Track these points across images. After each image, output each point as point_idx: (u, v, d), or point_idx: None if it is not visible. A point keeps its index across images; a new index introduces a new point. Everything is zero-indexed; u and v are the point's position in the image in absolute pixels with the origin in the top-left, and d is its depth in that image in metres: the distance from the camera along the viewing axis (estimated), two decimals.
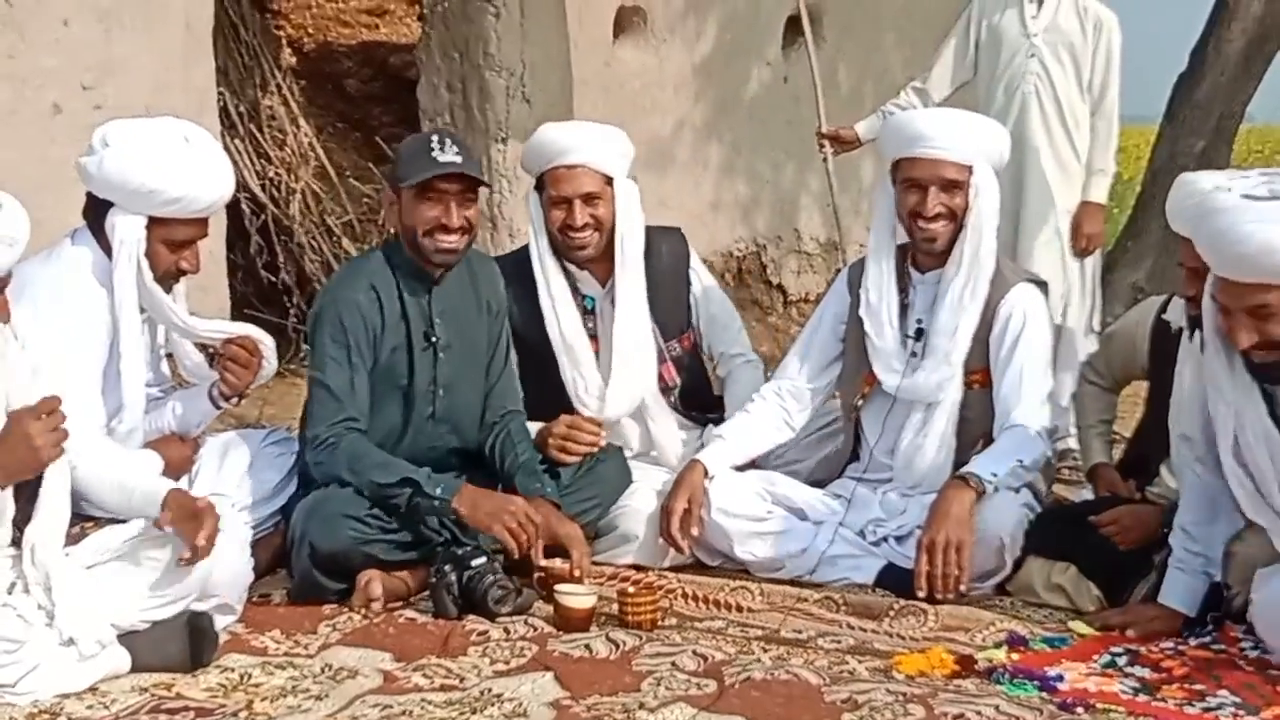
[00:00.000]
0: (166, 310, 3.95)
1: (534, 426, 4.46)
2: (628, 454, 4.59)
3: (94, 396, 3.74)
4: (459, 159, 4.06)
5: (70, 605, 3.35)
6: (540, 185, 4.55)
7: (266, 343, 4.13)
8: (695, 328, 4.77)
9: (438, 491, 3.95)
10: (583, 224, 4.46)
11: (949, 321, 4.26)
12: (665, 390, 4.68)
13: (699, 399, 4.76)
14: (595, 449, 4.40)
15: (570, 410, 4.52)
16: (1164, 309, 4.31)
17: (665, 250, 4.69)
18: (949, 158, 4.25)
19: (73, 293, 3.76)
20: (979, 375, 4.32)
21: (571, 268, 4.57)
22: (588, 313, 4.59)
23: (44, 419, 3.26)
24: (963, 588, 4.00)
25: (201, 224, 3.91)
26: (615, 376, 4.52)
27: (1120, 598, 3.96)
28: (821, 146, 6.39)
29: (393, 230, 4.20)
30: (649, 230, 4.62)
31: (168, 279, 3.92)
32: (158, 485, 3.58)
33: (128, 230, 3.79)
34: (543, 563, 4.01)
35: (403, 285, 4.15)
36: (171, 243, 3.85)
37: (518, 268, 4.56)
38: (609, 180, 4.51)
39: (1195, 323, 4.00)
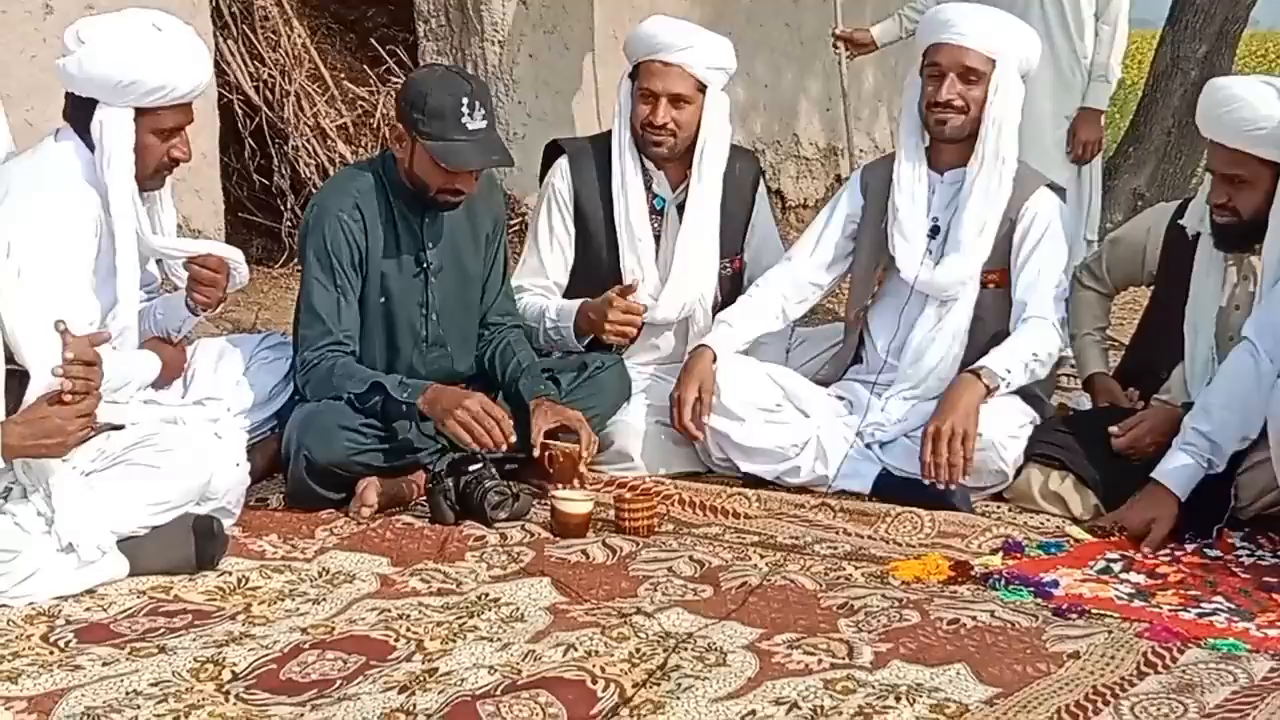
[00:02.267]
0: (139, 217, 3.90)
1: (570, 304, 4.48)
2: (653, 357, 4.60)
3: (84, 294, 3.71)
4: (485, 124, 4.00)
5: (69, 511, 3.35)
6: (635, 74, 4.52)
7: (231, 257, 4.06)
8: (745, 252, 4.77)
9: (404, 396, 3.93)
10: (663, 123, 4.45)
11: (974, 217, 4.25)
12: (711, 307, 4.67)
13: None
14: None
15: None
16: (1179, 215, 4.28)
17: (739, 170, 4.68)
18: (973, 46, 4.24)
19: (58, 191, 3.72)
20: (995, 275, 4.31)
21: (649, 165, 4.56)
22: (655, 212, 4.58)
23: (75, 402, 3.24)
24: (965, 479, 4.00)
25: (187, 110, 3.86)
26: (673, 279, 4.53)
27: (1118, 506, 3.96)
28: (836, 48, 6.31)
29: (397, 155, 4.10)
30: (729, 147, 4.62)
31: (161, 171, 3.88)
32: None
33: (116, 124, 3.74)
34: (547, 442, 4.02)
35: (395, 208, 4.10)
36: (160, 131, 3.80)
37: (597, 152, 4.58)
38: (701, 88, 4.48)
39: (1222, 231, 3.99)
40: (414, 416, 3.96)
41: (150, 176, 3.85)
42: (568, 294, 4.62)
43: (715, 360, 4.29)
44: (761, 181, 4.83)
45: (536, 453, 4.00)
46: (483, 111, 4.00)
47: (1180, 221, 4.23)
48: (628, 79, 4.55)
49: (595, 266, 4.57)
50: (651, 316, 4.54)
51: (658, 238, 4.57)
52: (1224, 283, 4.11)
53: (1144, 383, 4.26)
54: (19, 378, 3.31)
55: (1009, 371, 4.09)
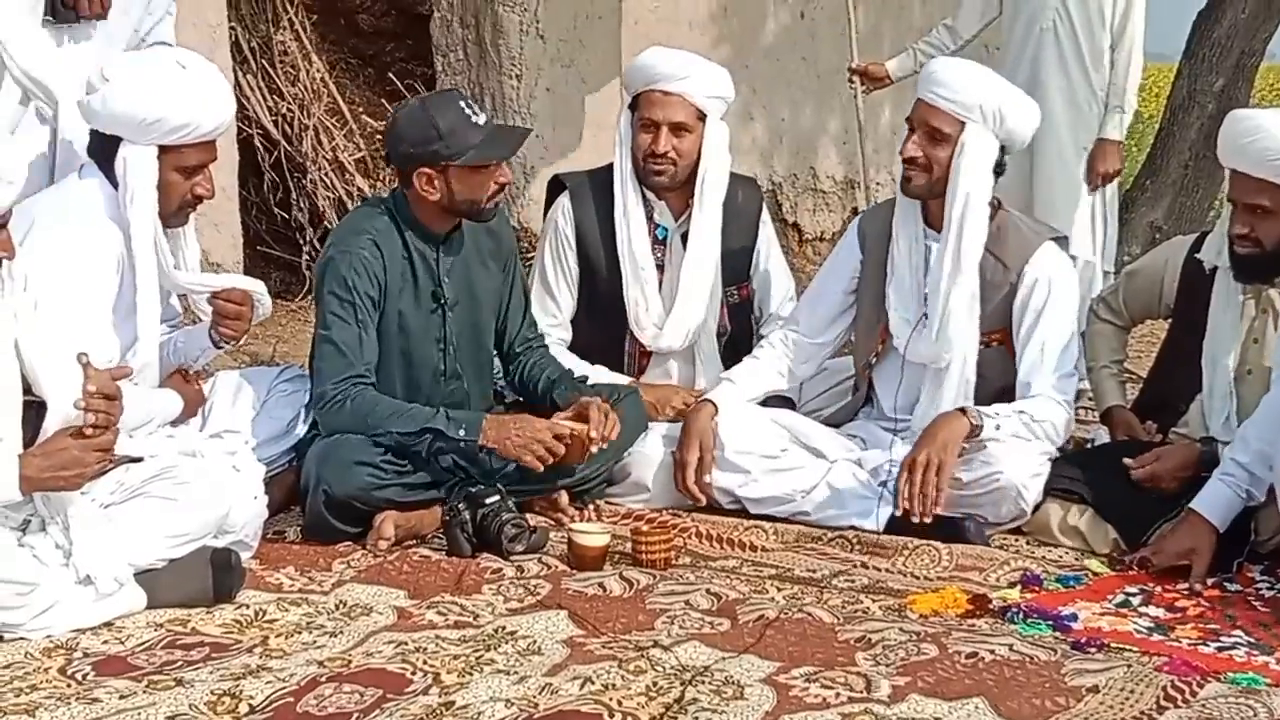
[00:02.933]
0: (161, 253, 3.92)
1: (603, 371, 4.53)
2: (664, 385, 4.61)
3: (103, 329, 3.74)
4: (486, 115, 4.12)
5: (87, 543, 3.35)
6: (635, 105, 4.56)
7: (255, 290, 4.09)
8: (752, 280, 4.81)
9: (460, 433, 3.96)
10: (664, 151, 4.49)
11: (941, 291, 4.18)
12: (717, 335, 4.71)
13: (743, 352, 4.74)
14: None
15: (624, 335, 4.58)
16: (1196, 248, 4.27)
17: (741, 197, 4.73)
18: (941, 106, 4.14)
19: (81, 227, 3.75)
20: (999, 335, 4.26)
21: (650, 195, 4.60)
22: (658, 242, 4.61)
23: (94, 435, 3.24)
24: (939, 510, 3.97)
25: (210, 148, 3.89)
26: (677, 307, 4.57)
27: (1138, 541, 3.94)
28: (851, 83, 6.34)
29: (429, 198, 4.09)
30: (730, 175, 4.65)
31: (184, 208, 3.91)
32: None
33: (140, 162, 3.77)
34: (557, 423, 4.05)
35: (410, 244, 4.12)
36: (184, 169, 3.83)
37: (598, 184, 4.62)
38: (701, 116, 4.52)
39: (1242, 262, 3.97)
40: (473, 454, 3.98)
41: (174, 213, 3.88)
42: (577, 327, 4.65)
43: (716, 414, 4.28)
44: (764, 208, 4.87)
45: (563, 432, 4.01)
46: (476, 106, 4.11)
47: (1198, 255, 4.22)
48: (628, 110, 4.60)
49: (602, 299, 4.60)
50: (657, 345, 4.59)
51: (662, 267, 4.60)
52: (1242, 316, 4.10)
53: (1162, 416, 4.25)
54: (36, 408, 3.32)
55: (996, 414, 4.05)
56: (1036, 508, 4.11)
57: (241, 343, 4.27)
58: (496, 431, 3.98)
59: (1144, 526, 3.95)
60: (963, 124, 4.13)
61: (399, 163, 4.12)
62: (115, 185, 3.79)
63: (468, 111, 4.05)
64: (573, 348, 4.63)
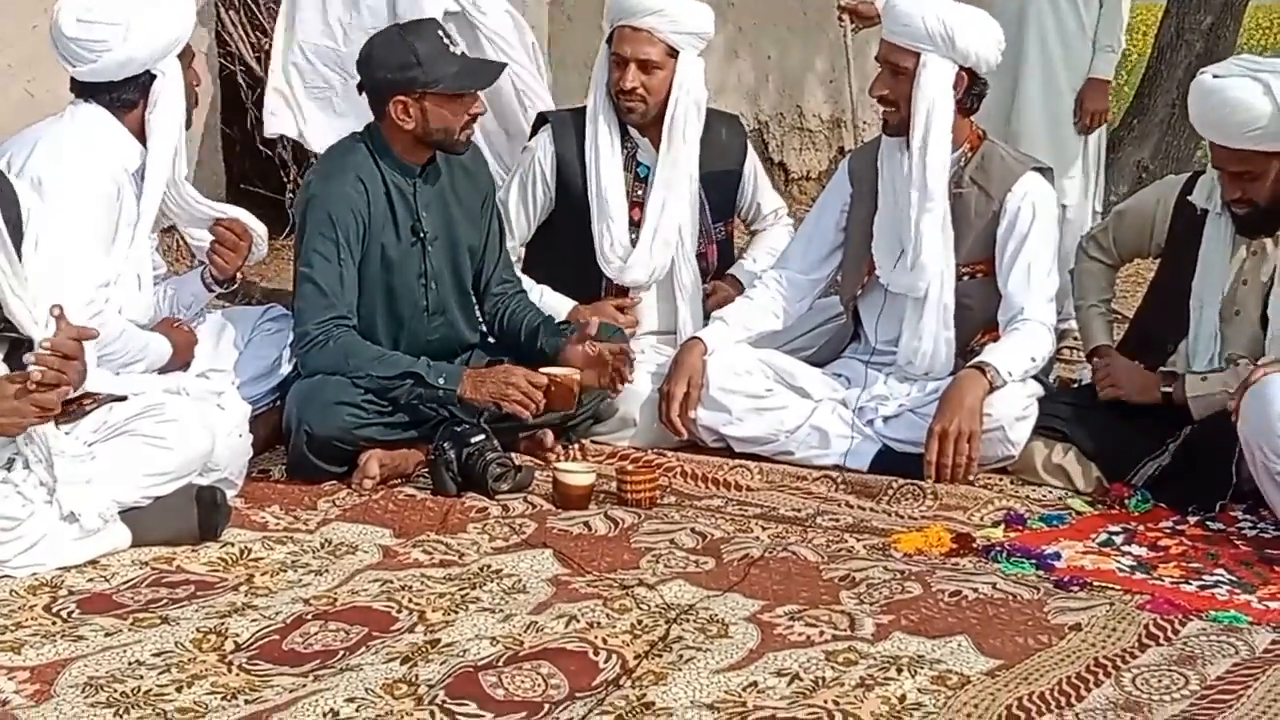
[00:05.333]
0: (179, 177, 3.96)
1: (559, 301, 4.53)
2: (644, 331, 4.61)
3: (97, 256, 3.75)
4: (461, 48, 4.10)
5: (71, 480, 3.35)
6: (610, 40, 4.56)
7: (256, 229, 4.11)
8: (739, 214, 4.84)
9: (441, 381, 3.95)
10: (631, 87, 4.47)
11: (930, 217, 4.19)
12: (704, 272, 4.71)
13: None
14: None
15: (595, 274, 4.58)
16: (1188, 189, 4.26)
17: (724, 133, 4.74)
18: (897, 40, 4.20)
19: (83, 154, 3.77)
20: (982, 266, 4.28)
21: (635, 134, 4.60)
22: (639, 180, 4.60)
23: (39, 391, 3.19)
24: (971, 477, 4.00)
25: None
26: (641, 243, 4.56)
27: (1122, 479, 3.96)
28: (841, 21, 6.30)
29: (404, 126, 4.06)
30: (711, 112, 4.66)
31: (191, 107, 4.01)
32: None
33: (175, 79, 3.89)
34: (545, 370, 4.05)
35: (389, 179, 4.10)
36: (190, 65, 3.97)
37: (581, 120, 4.61)
38: (673, 53, 4.50)
39: (1243, 221, 4.01)
40: (451, 401, 3.97)
41: (189, 115, 4.00)
42: (550, 260, 4.65)
43: (706, 352, 4.29)
44: (749, 144, 4.88)
45: (541, 380, 4.00)
46: (453, 37, 4.10)
47: (1190, 197, 4.21)
48: (605, 44, 4.59)
49: (580, 233, 4.59)
50: (622, 279, 4.60)
51: (642, 204, 4.58)
52: (1232, 258, 4.10)
53: (1149, 355, 4.25)
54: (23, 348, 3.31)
55: (1010, 374, 4.06)
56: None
57: (233, 286, 4.27)
58: (474, 383, 3.97)
59: (1128, 464, 3.96)
60: (918, 55, 4.15)
61: (375, 90, 4.08)
62: (120, 114, 3.84)
63: (445, 40, 4.04)
64: (550, 279, 4.62)
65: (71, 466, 3.35)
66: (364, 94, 4.12)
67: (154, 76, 3.85)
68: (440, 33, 4.05)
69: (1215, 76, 3.98)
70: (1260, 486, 3.68)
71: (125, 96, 3.84)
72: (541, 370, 4.05)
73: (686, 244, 4.61)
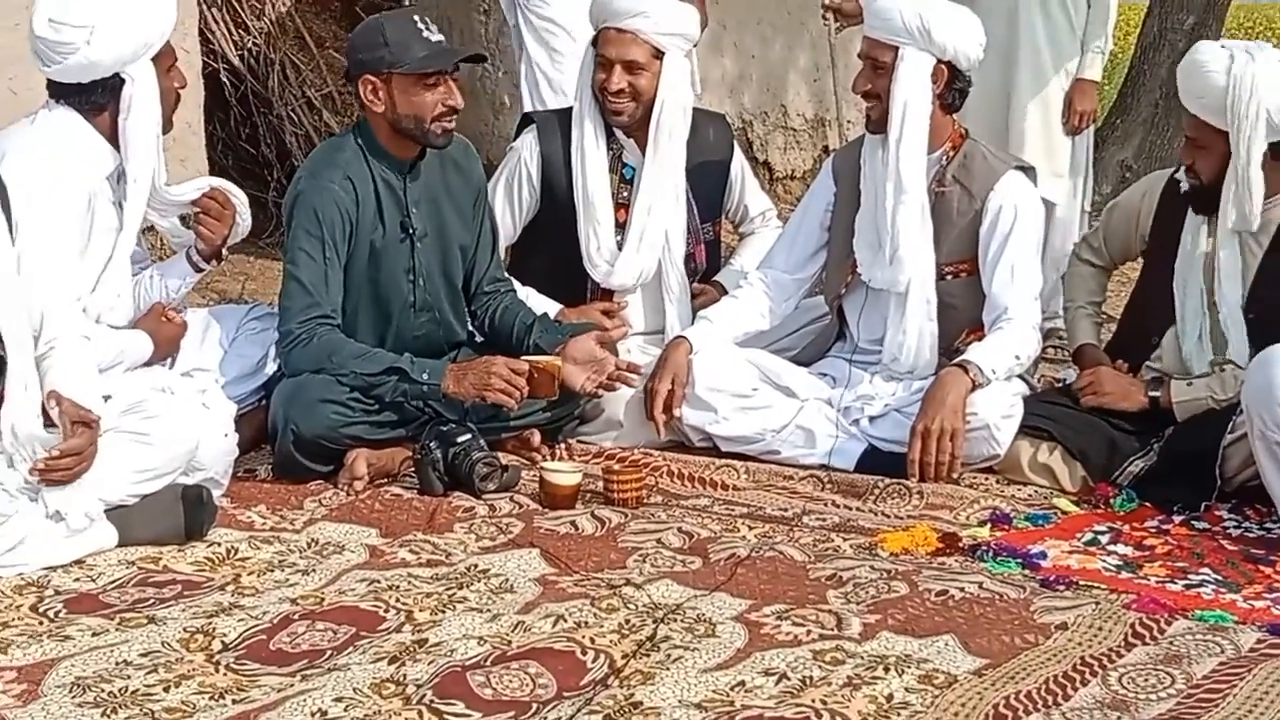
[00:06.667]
0: (159, 183, 3.93)
1: (544, 304, 4.51)
2: (632, 332, 4.60)
3: (70, 263, 3.73)
4: (442, 36, 4.08)
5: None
6: (595, 41, 4.55)
7: (237, 195, 4.12)
8: (727, 214, 4.85)
9: (424, 377, 3.95)
10: (617, 89, 4.47)
11: (888, 211, 4.21)
12: (692, 273, 4.71)
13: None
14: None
15: (581, 277, 4.57)
16: (1174, 180, 4.28)
17: (711, 133, 4.73)
18: (877, 35, 4.23)
19: (53, 160, 3.74)
20: (966, 265, 4.29)
21: (620, 135, 4.59)
22: (624, 182, 4.59)
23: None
24: (955, 475, 4.00)
25: (169, 43, 3.96)
26: (628, 245, 4.55)
27: (1107, 479, 3.97)
28: (825, 18, 6.30)
29: (377, 110, 4.06)
30: (697, 112, 4.66)
31: (174, 110, 3.98)
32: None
33: (147, 81, 3.83)
34: (527, 358, 4.05)
35: (377, 175, 4.09)
36: (166, 72, 3.91)
37: (566, 121, 4.61)
38: (659, 54, 4.49)
39: (1189, 195, 4.08)
40: (435, 397, 3.97)
41: (170, 116, 3.94)
42: (536, 263, 4.65)
43: (691, 351, 4.29)
44: (735, 144, 4.88)
45: (522, 368, 4.00)
46: (435, 27, 4.08)
47: (1177, 177, 4.24)
48: (590, 46, 4.58)
49: (565, 236, 4.58)
50: (609, 283, 4.59)
51: (627, 206, 4.58)
52: (1207, 242, 4.12)
53: (1134, 350, 4.26)
54: None
55: (994, 372, 4.07)
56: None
57: (220, 265, 4.26)
58: (456, 377, 3.97)
59: (1114, 464, 3.97)
60: (897, 49, 4.17)
61: (351, 72, 4.10)
62: (93, 119, 3.80)
63: (420, 27, 4.03)
64: (535, 282, 4.61)
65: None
66: (347, 82, 4.14)
67: (124, 81, 3.81)
68: (418, 20, 4.05)
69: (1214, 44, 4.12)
70: (1255, 456, 3.69)
71: (94, 99, 3.80)
72: (523, 358, 4.05)
73: (674, 247, 4.60)
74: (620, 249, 4.56)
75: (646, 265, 4.58)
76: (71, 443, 3.31)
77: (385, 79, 4.00)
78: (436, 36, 4.05)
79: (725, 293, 4.65)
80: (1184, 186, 4.13)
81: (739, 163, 4.88)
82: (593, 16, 4.57)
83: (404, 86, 4.00)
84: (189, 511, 3.50)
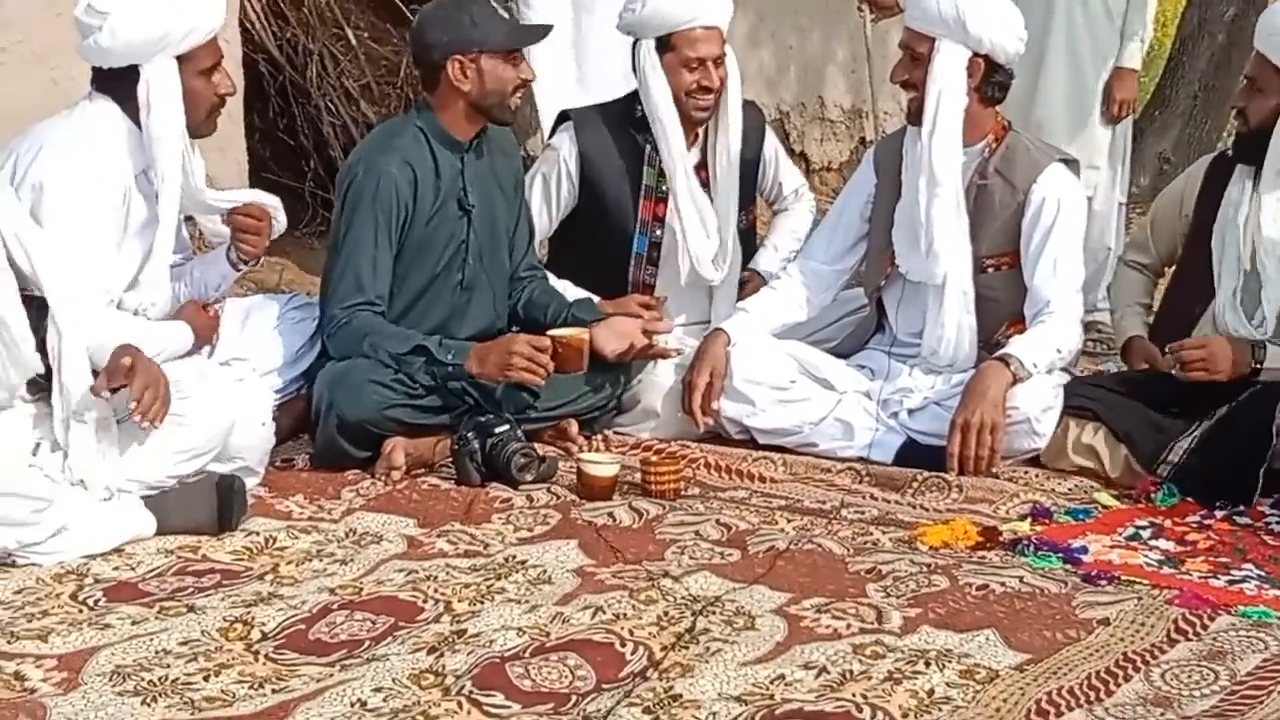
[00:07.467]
0: (189, 173, 3.92)
1: (582, 295, 4.48)
2: (678, 322, 4.59)
3: (107, 259, 3.73)
4: (508, 14, 4.16)
5: (82, 448, 3.37)
6: (667, 45, 4.48)
7: (272, 204, 4.10)
8: (762, 197, 4.87)
9: (449, 357, 3.96)
10: (718, 86, 4.47)
11: (922, 204, 4.19)
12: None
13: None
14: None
15: (625, 268, 4.57)
16: (1216, 161, 4.27)
17: (746, 120, 4.69)
18: (915, 26, 4.21)
19: (91, 150, 3.73)
20: (1008, 258, 4.26)
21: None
22: (661, 176, 4.57)
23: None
24: (995, 469, 3.98)
25: (216, 45, 3.90)
26: (723, 240, 4.57)
27: (1154, 461, 3.94)
28: (861, 10, 6.28)
29: (463, 88, 4.08)
30: None
31: (213, 114, 3.92)
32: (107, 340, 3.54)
33: (163, 77, 3.76)
34: (552, 332, 4.05)
35: (438, 156, 4.10)
36: (202, 73, 3.84)
37: (609, 118, 4.60)
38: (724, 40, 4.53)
39: (1238, 140, 4.12)
40: (460, 377, 3.97)
41: (204, 121, 3.89)
42: (572, 255, 4.65)
43: (730, 343, 4.28)
44: (767, 126, 4.88)
45: (544, 344, 4.00)
46: (499, 3, 4.14)
47: (1225, 151, 4.25)
48: (652, 53, 4.48)
49: (606, 233, 4.58)
50: (712, 278, 4.60)
51: (665, 200, 4.57)
52: (1251, 202, 4.09)
53: (1176, 323, 4.21)
54: (36, 305, 3.38)
55: (1035, 366, 4.05)
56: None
57: (260, 263, 4.26)
58: (479, 357, 3.97)
59: (1160, 445, 3.94)
60: (933, 40, 4.15)
61: (429, 56, 4.10)
62: (131, 112, 3.77)
63: (495, 6, 4.10)
64: (572, 276, 4.59)
65: (87, 436, 3.37)
66: (418, 67, 4.15)
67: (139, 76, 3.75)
68: None
69: None
70: None
71: (120, 89, 3.78)
72: (547, 333, 4.04)
73: (734, 236, 4.63)
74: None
75: (729, 251, 4.59)
76: (135, 385, 3.34)
77: (474, 57, 4.04)
78: (505, 13, 4.13)
79: (764, 281, 4.64)
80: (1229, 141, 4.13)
81: (771, 144, 4.88)
82: (666, 20, 4.46)
83: (492, 63, 4.05)
84: (223, 501, 3.51)
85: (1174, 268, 4.47)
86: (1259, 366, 3.97)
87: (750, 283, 4.70)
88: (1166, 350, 4.04)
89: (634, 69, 4.54)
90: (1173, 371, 4.01)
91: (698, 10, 4.44)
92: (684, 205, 4.51)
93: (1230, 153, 4.23)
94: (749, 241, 4.82)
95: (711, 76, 4.46)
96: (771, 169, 4.87)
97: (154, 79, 3.75)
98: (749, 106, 4.82)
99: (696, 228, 4.54)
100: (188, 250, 4.17)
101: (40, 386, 3.44)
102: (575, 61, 5.58)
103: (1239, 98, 4.14)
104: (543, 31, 4.30)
